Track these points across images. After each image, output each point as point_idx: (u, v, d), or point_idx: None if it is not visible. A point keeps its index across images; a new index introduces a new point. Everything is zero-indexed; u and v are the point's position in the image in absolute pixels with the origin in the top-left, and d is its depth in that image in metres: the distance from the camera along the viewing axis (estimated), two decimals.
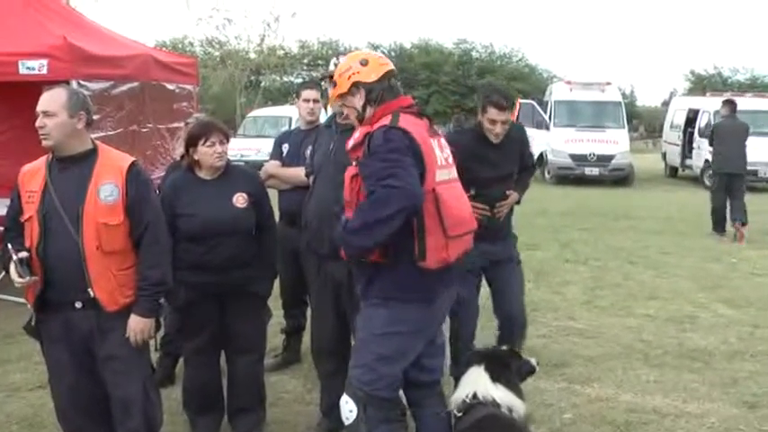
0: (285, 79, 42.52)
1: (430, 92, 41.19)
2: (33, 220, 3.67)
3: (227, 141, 4.44)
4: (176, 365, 5.59)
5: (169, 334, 5.42)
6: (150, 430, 3.91)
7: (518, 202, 5.30)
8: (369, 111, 3.63)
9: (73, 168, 3.67)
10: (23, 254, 3.60)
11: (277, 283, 5.96)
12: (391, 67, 3.69)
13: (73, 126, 3.65)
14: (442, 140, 3.69)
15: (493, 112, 4.82)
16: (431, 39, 44.61)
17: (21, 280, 3.61)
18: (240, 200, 4.40)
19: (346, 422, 3.68)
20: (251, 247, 4.47)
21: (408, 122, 3.49)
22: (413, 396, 3.77)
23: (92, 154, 3.72)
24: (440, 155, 3.55)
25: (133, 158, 3.83)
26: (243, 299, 4.47)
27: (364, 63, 3.66)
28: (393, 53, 44.33)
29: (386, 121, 3.49)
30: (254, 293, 4.53)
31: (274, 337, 6.28)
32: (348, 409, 3.64)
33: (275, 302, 6.15)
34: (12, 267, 3.62)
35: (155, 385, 4.06)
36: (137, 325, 3.74)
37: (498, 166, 5.02)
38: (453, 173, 3.67)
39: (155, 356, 5.60)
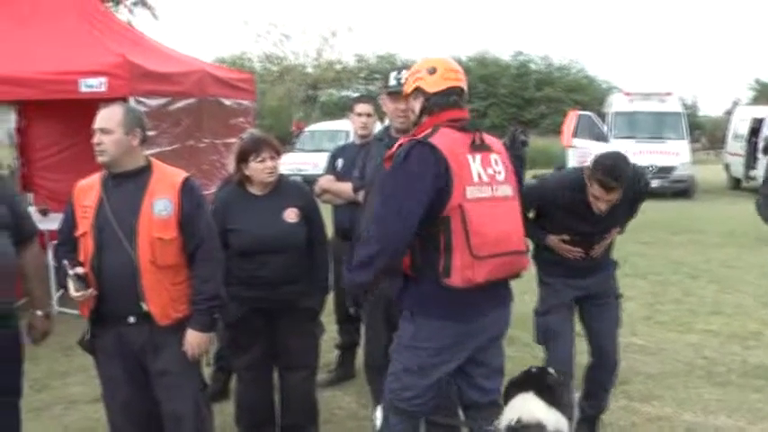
0: (342, 93, 42.76)
1: (487, 104, 41.09)
2: (88, 236, 3.71)
3: (279, 157, 4.44)
4: (230, 380, 5.60)
5: (223, 349, 5.45)
6: None
7: (621, 232, 4.85)
8: (423, 119, 3.60)
9: (127, 184, 3.71)
10: (79, 269, 3.63)
11: (331, 298, 6.01)
12: (458, 84, 3.61)
13: (128, 143, 3.69)
14: (494, 157, 3.55)
15: (598, 190, 4.29)
16: (488, 51, 44.50)
17: (78, 294, 3.65)
18: (291, 215, 4.39)
19: (376, 428, 3.74)
20: (302, 262, 4.45)
21: (443, 137, 3.44)
22: (471, 415, 3.71)
23: (146, 170, 3.76)
24: (479, 171, 3.44)
25: (187, 174, 3.85)
26: (294, 314, 4.46)
27: (432, 72, 3.60)
28: None
29: (426, 133, 3.48)
30: (306, 309, 4.52)
31: (329, 352, 6.27)
32: (378, 415, 3.69)
33: (329, 317, 6.17)
34: (69, 282, 3.66)
35: (206, 401, 4.06)
36: (193, 339, 3.75)
37: (601, 223, 4.55)
38: (501, 191, 3.51)
39: (208, 371, 5.66)
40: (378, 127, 5.79)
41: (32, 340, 4.03)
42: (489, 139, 3.62)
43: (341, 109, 40.26)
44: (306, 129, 27.07)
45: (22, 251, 3.81)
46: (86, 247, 3.72)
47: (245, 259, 4.35)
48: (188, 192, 3.74)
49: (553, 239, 4.58)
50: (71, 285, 3.64)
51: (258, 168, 4.37)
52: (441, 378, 3.56)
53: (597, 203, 4.36)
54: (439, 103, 3.56)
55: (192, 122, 9.32)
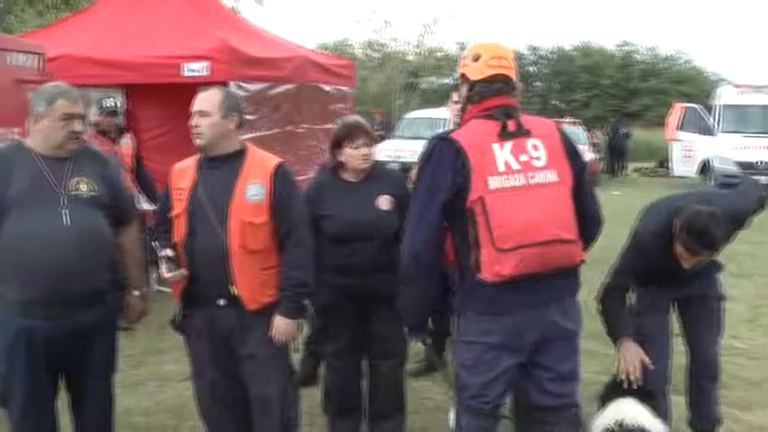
0: (443, 81, 42.56)
1: (590, 95, 40.31)
2: (181, 217, 3.76)
3: (373, 144, 4.41)
4: (319, 366, 5.61)
5: (312, 335, 5.47)
6: (287, 430, 3.91)
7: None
8: (468, 107, 3.51)
9: (221, 167, 3.74)
10: (169, 251, 3.69)
11: None
12: (502, 71, 3.44)
13: (225, 126, 3.71)
14: (531, 142, 3.34)
15: (684, 252, 3.99)
16: (592, 41, 43.62)
17: (169, 275, 3.70)
18: (384, 202, 4.35)
19: (450, 428, 3.69)
20: (394, 250, 4.39)
21: (469, 129, 3.37)
22: (541, 418, 3.56)
23: (241, 154, 3.78)
24: (507, 159, 3.26)
25: (280, 159, 3.85)
26: (385, 303, 4.40)
27: (476, 58, 3.48)
28: (553, 55, 43.63)
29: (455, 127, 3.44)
30: (397, 296, 4.47)
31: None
32: (451, 416, 3.67)
33: None
34: (161, 263, 3.72)
35: (294, 386, 4.06)
36: (280, 326, 3.76)
37: (690, 269, 4.16)
38: (539, 177, 3.29)
39: (297, 357, 5.69)
40: None
41: (128, 320, 4.10)
42: (532, 122, 3.43)
43: (441, 97, 40.17)
44: (382, 117, 27.19)
45: (120, 232, 3.87)
46: (179, 229, 3.77)
47: (336, 246, 4.33)
48: (280, 177, 3.74)
49: (626, 348, 4.14)
50: (162, 266, 3.71)
51: (352, 155, 4.34)
52: (500, 376, 3.41)
53: (683, 260, 4.06)
54: (481, 91, 3.44)
55: (292, 108, 9.41)
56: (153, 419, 5.19)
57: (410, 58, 38.37)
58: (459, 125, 5.48)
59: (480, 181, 3.22)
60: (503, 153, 3.27)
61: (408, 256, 3.37)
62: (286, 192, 3.74)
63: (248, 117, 8.21)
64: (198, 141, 3.73)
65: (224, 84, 7.10)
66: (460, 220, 3.28)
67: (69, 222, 3.54)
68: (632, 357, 4.05)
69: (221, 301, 3.70)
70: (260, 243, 3.68)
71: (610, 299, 4.20)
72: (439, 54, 39.11)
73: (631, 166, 27.34)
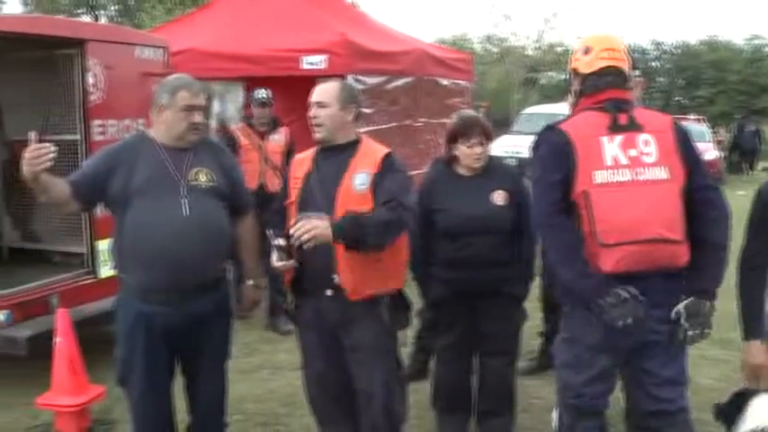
0: (562, 76, 41.86)
1: (716, 91, 38.88)
2: (294, 206, 3.80)
3: (489, 141, 4.34)
4: (429, 361, 5.58)
5: (423, 329, 5.44)
6: (391, 424, 3.87)
7: None
8: (579, 101, 3.44)
9: (335, 157, 3.74)
10: (281, 240, 3.70)
11: (538, 284, 5.86)
12: (613, 63, 3.37)
13: (343, 118, 3.72)
14: (643, 137, 3.22)
15: None
16: (719, 35, 42.05)
17: (279, 264, 3.72)
18: (499, 197, 4.29)
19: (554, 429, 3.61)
20: (508, 246, 4.34)
21: (578, 120, 3.29)
22: (649, 424, 3.41)
23: (354, 144, 3.78)
24: (615, 154, 3.17)
25: (389, 150, 3.81)
26: (496, 299, 4.35)
27: (586, 51, 3.42)
28: (677, 50, 42.31)
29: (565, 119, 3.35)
30: (509, 294, 4.41)
31: (532, 339, 6.13)
32: (554, 416, 3.61)
33: (535, 304, 6.02)
34: (273, 252, 3.74)
35: (400, 379, 4.00)
36: (317, 223, 3.50)
37: None
38: (648, 174, 3.17)
39: (406, 351, 5.68)
40: None
41: (242, 308, 4.16)
42: (646, 117, 3.31)
43: (560, 92, 39.50)
44: (487, 110, 26.75)
45: (236, 222, 3.93)
46: (292, 217, 3.81)
47: (449, 240, 4.29)
48: (387, 167, 3.69)
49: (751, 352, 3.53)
50: (273, 255, 3.72)
51: (466, 153, 4.30)
52: (600, 375, 3.30)
53: None
54: (593, 84, 3.37)
55: (409, 101, 9.41)
56: (265, 407, 5.28)
57: (529, 52, 37.87)
58: None
59: (586, 174, 3.15)
60: (611, 147, 3.19)
61: (535, 225, 3.42)
62: (389, 176, 3.66)
63: (366, 111, 8.27)
64: (317, 133, 3.75)
65: (342, 77, 7.17)
66: (568, 212, 3.22)
67: (188, 212, 3.62)
68: (755, 366, 3.49)
69: (329, 292, 3.70)
70: None
71: (743, 277, 3.53)
72: (559, 49, 38.46)
73: (761, 164, 26.22)
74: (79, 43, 5.82)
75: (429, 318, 4.62)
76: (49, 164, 3.34)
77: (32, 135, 3.35)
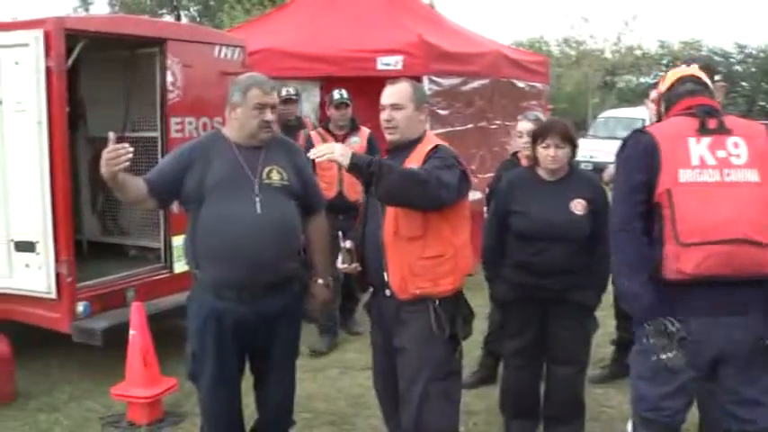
0: (641, 80, 41.14)
1: None
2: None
3: (568, 145, 4.27)
4: (498, 365, 5.54)
5: (492, 333, 5.40)
6: None
7: None
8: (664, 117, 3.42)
9: (398, 155, 3.65)
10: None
11: (611, 292, 5.75)
12: (686, 73, 3.41)
13: (417, 118, 3.68)
14: (732, 140, 3.13)
15: None
16: None
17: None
18: (578, 206, 4.22)
19: None
20: (582, 255, 4.26)
21: (665, 124, 3.26)
22: None
23: (414, 143, 3.67)
24: (703, 154, 3.08)
25: (442, 143, 3.70)
26: (567, 307, 4.28)
27: (663, 79, 3.52)
28: (762, 54, 41.21)
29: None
30: (580, 303, 4.32)
31: (603, 347, 6.04)
32: (629, 428, 3.51)
33: (608, 312, 5.93)
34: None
35: (446, 392, 3.69)
36: (335, 146, 3.48)
37: None
38: (736, 175, 3.08)
39: (477, 355, 5.64)
40: None
41: (312, 307, 4.17)
42: (737, 123, 3.21)
43: (638, 96, 38.85)
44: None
45: (307, 221, 3.95)
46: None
47: (522, 243, 4.26)
48: (431, 156, 3.57)
49: None
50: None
51: (542, 154, 4.26)
52: (680, 389, 3.15)
53: None
54: (672, 96, 3.37)
55: (485, 103, 9.37)
56: (333, 406, 5.29)
57: (607, 55, 37.28)
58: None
59: (670, 174, 3.07)
60: (698, 147, 3.11)
61: (612, 225, 3.29)
62: (429, 162, 3.53)
63: (441, 112, 8.27)
64: (392, 135, 3.68)
65: (417, 78, 7.15)
66: (649, 216, 3.14)
67: (261, 210, 3.64)
68: None
69: (387, 291, 3.65)
70: (414, 230, 3.54)
71: None
72: (638, 52, 37.79)
73: None
74: (160, 42, 5.94)
75: (497, 320, 4.57)
76: (125, 164, 3.40)
77: (111, 135, 3.42)
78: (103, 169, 3.40)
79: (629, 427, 3.49)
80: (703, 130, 3.14)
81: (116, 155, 3.37)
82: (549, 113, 10.36)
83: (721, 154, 3.09)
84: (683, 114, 3.24)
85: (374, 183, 3.34)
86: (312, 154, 3.42)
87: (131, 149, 3.42)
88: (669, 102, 3.38)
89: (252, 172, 3.69)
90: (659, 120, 3.47)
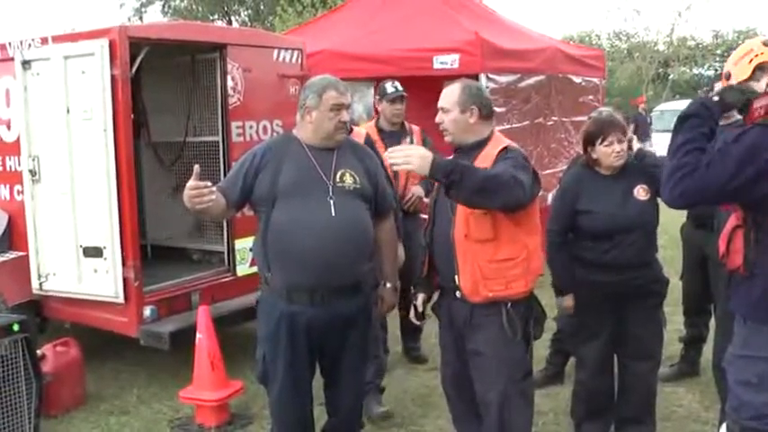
0: (695, 71, 40.46)
1: None
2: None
3: (626, 138, 4.23)
4: (566, 364, 5.49)
5: (561, 332, 5.35)
6: None
7: None
8: None
9: (464, 157, 3.61)
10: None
11: (679, 287, 5.66)
12: None
13: (465, 121, 3.64)
14: None
15: None
16: None
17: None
18: (642, 192, 4.19)
19: None
20: (652, 245, 4.27)
21: None
22: None
23: (482, 144, 3.65)
24: None
25: (512, 144, 3.68)
26: (642, 301, 4.24)
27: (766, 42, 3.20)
28: None
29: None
30: (655, 294, 4.30)
31: (671, 344, 5.93)
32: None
33: (674, 308, 5.83)
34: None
35: (523, 392, 3.71)
36: (414, 150, 3.46)
37: None
38: None
39: (544, 354, 5.59)
40: None
41: (381, 311, 4.17)
42: None
43: (693, 88, 38.23)
44: (645, 106, 25.80)
45: (377, 224, 3.93)
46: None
47: (595, 242, 4.21)
48: (501, 157, 3.55)
49: None
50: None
51: (606, 152, 4.20)
52: None
53: None
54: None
55: (542, 100, 9.27)
56: (400, 406, 5.28)
57: (660, 47, 36.76)
58: (726, 118, 5.14)
59: None
60: None
61: (680, 197, 2.86)
62: (500, 162, 3.50)
63: (498, 110, 8.18)
64: (445, 136, 3.72)
65: (474, 77, 7.11)
66: (761, 218, 2.92)
67: (336, 213, 3.64)
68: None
69: (457, 293, 3.63)
70: (485, 232, 3.52)
71: None
72: (691, 43, 37.19)
73: None
74: (220, 48, 5.98)
75: (573, 323, 4.49)
76: (208, 204, 3.48)
77: (196, 168, 3.46)
78: (187, 203, 3.49)
79: (723, 430, 3.35)
80: None
81: (199, 194, 3.44)
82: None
83: None
84: None
85: (455, 187, 3.31)
86: (390, 159, 3.37)
87: (214, 191, 3.50)
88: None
89: (325, 174, 3.69)
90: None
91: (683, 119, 2.89)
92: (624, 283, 4.18)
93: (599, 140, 4.20)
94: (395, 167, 3.43)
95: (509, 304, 3.57)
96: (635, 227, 4.17)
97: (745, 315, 3.05)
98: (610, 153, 4.19)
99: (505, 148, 3.60)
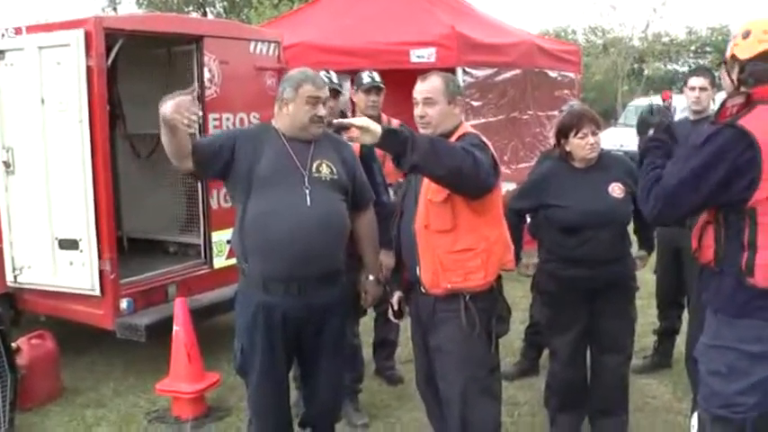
0: (669, 67, 40.73)
1: None
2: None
3: (599, 131, 4.26)
4: (539, 357, 5.53)
5: (534, 325, 5.39)
6: None
7: None
8: (741, 90, 3.08)
9: None
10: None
11: (653, 281, 5.73)
12: None
13: (451, 112, 3.63)
14: None
15: None
16: None
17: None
18: (616, 189, 4.21)
19: None
20: (624, 240, 4.30)
21: (760, 118, 2.92)
22: None
23: (448, 135, 3.59)
24: None
25: (473, 131, 3.64)
26: (613, 295, 4.28)
27: (745, 35, 3.11)
28: None
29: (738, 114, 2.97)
30: (626, 288, 4.35)
31: (645, 337, 6.01)
32: (693, 423, 3.32)
33: (648, 301, 5.89)
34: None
35: (487, 389, 3.64)
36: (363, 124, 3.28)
37: None
38: None
39: (518, 346, 5.63)
40: (715, 103, 5.37)
41: (364, 304, 4.17)
42: None
43: (667, 83, 38.48)
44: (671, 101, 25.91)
45: (356, 217, 3.94)
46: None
47: (566, 236, 4.22)
48: (460, 142, 3.50)
49: None
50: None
51: (579, 144, 4.23)
52: (756, 386, 3.04)
53: None
54: (755, 71, 3.05)
55: (518, 94, 9.33)
56: (376, 399, 5.31)
57: (635, 43, 36.95)
58: (698, 113, 5.22)
59: None
60: None
61: (656, 216, 3.08)
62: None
63: (474, 103, 8.25)
64: (424, 129, 3.61)
65: (451, 70, 7.13)
66: (733, 216, 2.97)
67: (310, 203, 3.64)
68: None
69: (422, 288, 3.62)
70: (445, 223, 3.48)
71: None
72: (666, 39, 37.42)
73: None
74: (197, 40, 5.96)
75: (546, 315, 4.53)
76: (188, 119, 3.37)
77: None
78: (169, 111, 3.35)
79: (694, 421, 3.39)
80: None
81: (187, 108, 3.36)
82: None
83: None
84: None
85: (408, 149, 3.17)
86: (346, 121, 3.31)
87: (195, 121, 3.42)
88: (748, 79, 3.08)
89: (302, 164, 3.69)
90: (739, 86, 3.12)
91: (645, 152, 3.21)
92: (596, 277, 4.21)
93: (573, 132, 4.22)
94: (349, 136, 3.33)
95: (468, 297, 3.53)
96: (606, 222, 4.18)
97: (716, 308, 3.11)
98: (583, 145, 4.21)
99: (464, 134, 3.57)
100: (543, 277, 4.45)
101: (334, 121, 3.46)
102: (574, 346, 4.39)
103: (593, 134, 4.22)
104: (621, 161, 4.48)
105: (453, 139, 3.55)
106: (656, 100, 20.15)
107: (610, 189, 4.22)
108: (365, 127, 3.18)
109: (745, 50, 3.10)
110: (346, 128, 3.23)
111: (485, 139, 3.59)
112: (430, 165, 3.25)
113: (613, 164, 4.37)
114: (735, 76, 3.14)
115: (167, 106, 3.36)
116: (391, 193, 5.05)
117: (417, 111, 3.60)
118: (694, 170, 2.97)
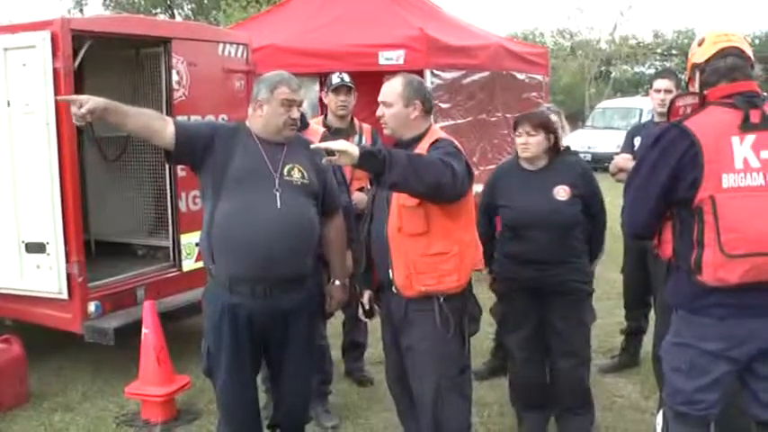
0: (636, 70, 41.17)
1: None
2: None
3: (540, 134, 4.27)
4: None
5: (498, 325, 5.43)
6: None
7: None
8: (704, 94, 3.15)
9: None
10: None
11: (620, 281, 5.79)
12: (730, 44, 3.10)
13: (407, 115, 3.65)
14: None
15: None
16: None
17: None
18: (561, 192, 4.24)
19: None
20: (572, 242, 4.30)
21: (706, 117, 2.99)
22: None
23: (418, 140, 3.65)
24: (747, 156, 2.90)
25: (445, 137, 3.69)
26: (561, 297, 4.29)
27: (700, 43, 3.21)
28: (757, 41, 41.25)
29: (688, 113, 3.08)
30: (576, 291, 4.33)
31: (612, 337, 6.08)
32: (658, 420, 3.41)
33: (616, 301, 5.96)
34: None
35: (457, 387, 3.69)
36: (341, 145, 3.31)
37: None
38: None
39: (488, 346, 5.67)
40: None
41: (329, 308, 4.16)
42: None
43: (634, 86, 38.88)
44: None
45: (325, 222, 3.95)
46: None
47: (511, 235, 4.30)
48: (433, 148, 3.55)
49: None
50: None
51: (517, 143, 4.36)
52: (715, 382, 3.09)
53: None
54: (714, 70, 3.10)
55: (486, 96, 9.38)
56: (346, 401, 5.32)
57: (603, 46, 37.32)
58: (663, 115, 5.28)
59: (713, 178, 2.91)
60: (742, 148, 2.92)
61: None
62: (432, 154, 3.48)
63: (442, 105, 8.27)
64: (384, 130, 3.74)
65: (419, 72, 7.15)
66: (685, 213, 3.02)
67: (280, 206, 3.64)
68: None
69: (393, 289, 3.65)
70: (418, 226, 3.52)
71: None
72: (633, 42, 37.82)
73: None
74: (165, 42, 5.94)
75: (499, 312, 4.57)
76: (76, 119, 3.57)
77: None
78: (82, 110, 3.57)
79: (659, 419, 3.45)
80: (746, 126, 2.95)
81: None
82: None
83: (766, 155, 2.93)
84: (721, 105, 3.03)
85: (386, 169, 3.22)
86: (322, 145, 3.31)
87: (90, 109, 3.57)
88: (707, 80, 3.14)
89: (273, 167, 3.69)
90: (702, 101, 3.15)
91: None
92: (539, 279, 4.25)
93: (516, 131, 4.33)
94: (324, 161, 3.32)
95: (441, 299, 3.57)
96: (547, 224, 4.21)
97: (675, 305, 3.18)
98: (519, 144, 4.33)
99: (437, 139, 3.61)
100: (496, 276, 4.51)
101: (312, 146, 3.47)
102: (527, 346, 4.42)
103: (528, 134, 4.28)
104: (575, 165, 4.49)
105: (424, 143, 3.61)
106: (624, 103, 20.51)
107: (555, 191, 4.25)
108: (342, 150, 3.21)
109: (701, 55, 3.19)
110: (331, 153, 3.24)
111: (458, 144, 3.64)
112: (410, 182, 3.31)
113: (564, 167, 4.39)
114: (698, 83, 3.21)
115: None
116: (363, 195, 5.09)
117: (378, 111, 3.70)
118: (643, 175, 3.10)
